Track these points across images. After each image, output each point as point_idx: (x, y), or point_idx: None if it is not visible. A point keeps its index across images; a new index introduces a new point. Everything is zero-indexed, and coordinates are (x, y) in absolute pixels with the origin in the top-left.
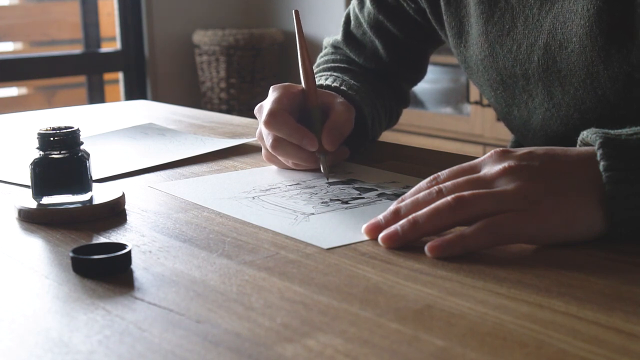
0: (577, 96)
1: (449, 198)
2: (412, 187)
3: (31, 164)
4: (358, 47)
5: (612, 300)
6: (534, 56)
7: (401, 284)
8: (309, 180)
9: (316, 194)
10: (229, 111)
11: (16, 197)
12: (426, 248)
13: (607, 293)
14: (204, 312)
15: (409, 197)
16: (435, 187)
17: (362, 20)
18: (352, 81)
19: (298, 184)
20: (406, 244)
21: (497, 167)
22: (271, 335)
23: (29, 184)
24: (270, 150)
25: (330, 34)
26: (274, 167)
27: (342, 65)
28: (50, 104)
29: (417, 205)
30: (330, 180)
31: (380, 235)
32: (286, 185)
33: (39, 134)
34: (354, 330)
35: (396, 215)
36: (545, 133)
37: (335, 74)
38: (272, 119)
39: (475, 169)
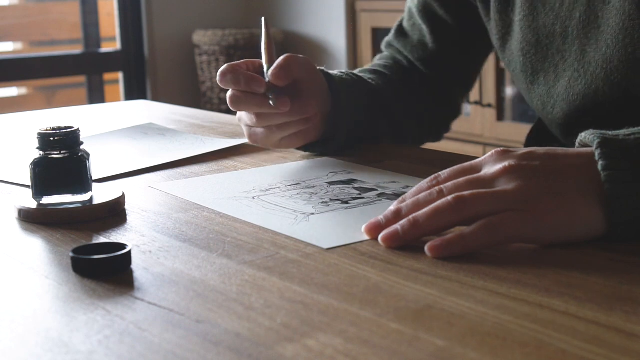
0: (607, 54)
1: (449, 198)
2: (412, 187)
3: (31, 164)
4: (406, 38)
5: (612, 300)
6: (576, 12)
7: (401, 284)
8: (309, 180)
9: (316, 194)
10: (229, 111)
11: (16, 197)
12: (426, 248)
13: (607, 293)
14: (204, 312)
15: (410, 197)
16: (436, 187)
17: (413, 8)
18: (363, 75)
19: (298, 183)
20: (406, 243)
21: (497, 167)
22: (271, 335)
23: (29, 184)
24: (231, 107)
25: (331, 33)
26: (274, 167)
27: (374, 68)
28: (50, 104)
29: (417, 205)
30: (330, 180)
31: (381, 235)
32: (286, 185)
33: (39, 134)
34: (354, 330)
35: (396, 215)
36: (567, 97)
37: (350, 71)
38: (223, 77)
39: (476, 168)
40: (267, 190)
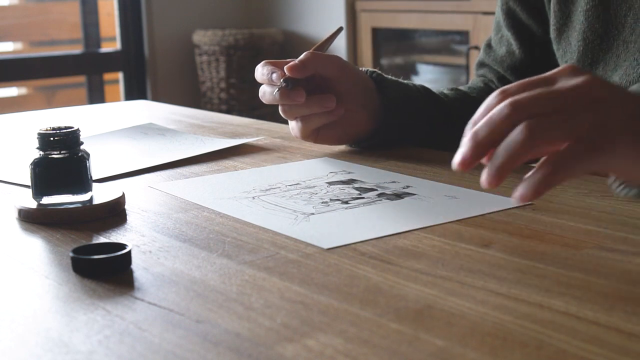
0: None
1: (519, 133)
2: (412, 187)
3: (31, 164)
4: (494, 52)
5: (612, 300)
6: None
7: (401, 284)
8: (309, 180)
9: (316, 194)
10: (229, 111)
11: (16, 197)
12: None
13: (607, 293)
14: (204, 312)
15: (480, 117)
16: (507, 102)
17: (500, 17)
18: (434, 89)
19: (298, 183)
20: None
21: (575, 81)
22: (271, 335)
23: (29, 184)
24: (261, 99)
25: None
26: (274, 167)
27: (456, 87)
28: (50, 104)
29: (491, 124)
30: (330, 180)
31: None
32: (286, 185)
33: (39, 134)
34: (354, 330)
35: (474, 140)
36: (620, 84)
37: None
38: (256, 72)
39: (549, 82)
40: (267, 190)
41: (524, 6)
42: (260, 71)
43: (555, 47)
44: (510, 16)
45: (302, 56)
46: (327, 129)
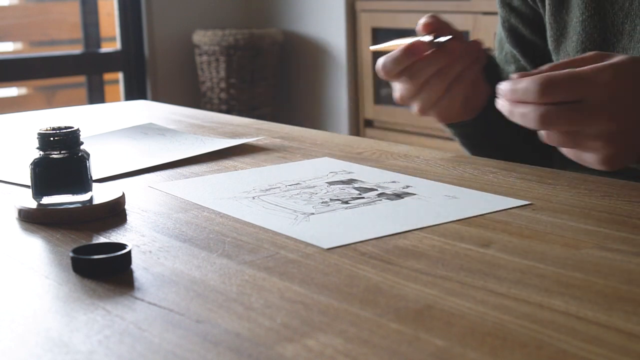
0: None
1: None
2: (412, 187)
3: (31, 164)
4: (502, 72)
5: (612, 300)
6: None
7: (401, 284)
8: (309, 180)
9: (316, 194)
10: (229, 111)
11: (16, 197)
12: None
13: (607, 293)
14: (204, 312)
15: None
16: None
17: (502, 35)
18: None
19: (298, 183)
20: None
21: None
22: (271, 335)
23: (29, 184)
24: (404, 89)
25: (330, 34)
26: (274, 167)
27: None
28: (50, 104)
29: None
30: (330, 180)
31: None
32: (286, 185)
33: (39, 134)
34: (354, 330)
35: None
36: None
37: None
38: (382, 68)
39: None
40: (267, 190)
41: (524, 22)
42: (392, 61)
43: (554, 58)
44: (513, 34)
45: (427, 18)
46: (448, 98)
